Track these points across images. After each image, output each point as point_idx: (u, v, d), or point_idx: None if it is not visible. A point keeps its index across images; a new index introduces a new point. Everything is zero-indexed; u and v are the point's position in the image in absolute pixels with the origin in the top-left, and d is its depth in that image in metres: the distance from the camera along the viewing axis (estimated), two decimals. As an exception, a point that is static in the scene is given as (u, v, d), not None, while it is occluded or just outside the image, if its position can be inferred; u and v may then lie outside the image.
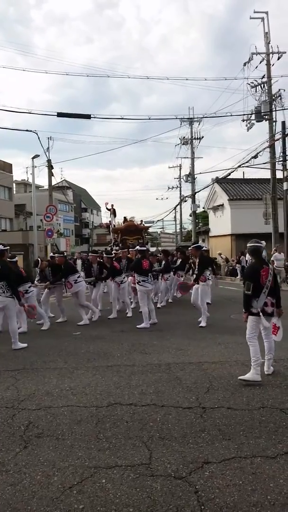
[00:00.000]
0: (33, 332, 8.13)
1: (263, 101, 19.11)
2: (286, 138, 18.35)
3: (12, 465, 2.90)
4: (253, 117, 19.68)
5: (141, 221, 20.04)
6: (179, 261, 11.97)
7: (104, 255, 9.96)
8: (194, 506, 2.36)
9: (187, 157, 30.28)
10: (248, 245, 4.94)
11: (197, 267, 8.25)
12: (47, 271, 9.04)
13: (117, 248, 15.56)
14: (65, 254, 9.80)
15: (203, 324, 8.07)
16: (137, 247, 9.69)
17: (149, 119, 19.62)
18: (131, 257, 10.85)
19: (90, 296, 9.83)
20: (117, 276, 9.53)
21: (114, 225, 19.71)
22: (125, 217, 19.15)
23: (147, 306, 8.29)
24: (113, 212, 20.27)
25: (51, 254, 10.31)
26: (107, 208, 20.02)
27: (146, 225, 21.38)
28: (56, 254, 9.48)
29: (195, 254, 8.49)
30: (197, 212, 31.61)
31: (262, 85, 19.26)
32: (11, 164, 37.39)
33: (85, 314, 8.86)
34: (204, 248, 12.52)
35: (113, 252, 11.92)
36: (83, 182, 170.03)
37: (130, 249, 12.63)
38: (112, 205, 20.55)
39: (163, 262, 11.14)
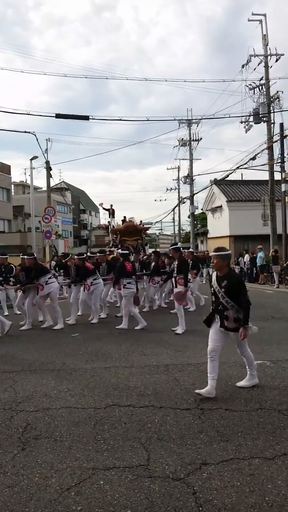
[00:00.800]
0: (31, 333, 8.12)
1: (261, 103, 19.20)
2: (284, 140, 18.41)
3: (10, 467, 2.89)
4: (251, 119, 19.77)
5: (141, 221, 19.79)
6: (170, 265, 11.11)
7: (75, 256, 9.32)
8: (192, 507, 2.36)
9: (185, 159, 30.50)
10: (220, 253, 4.28)
11: (175, 269, 7.79)
12: (20, 276, 8.65)
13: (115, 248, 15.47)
14: (35, 255, 9.11)
15: (179, 331, 7.64)
16: (119, 250, 9.45)
17: (148, 120, 19.63)
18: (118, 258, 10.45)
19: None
20: (88, 278, 8.96)
21: (113, 226, 19.55)
22: (125, 217, 18.92)
23: (131, 308, 8.28)
24: (112, 213, 20.09)
25: (22, 255, 9.42)
26: (104, 209, 19.85)
27: (145, 226, 21.22)
28: (25, 256, 8.84)
29: (175, 256, 8.07)
30: (195, 213, 31.66)
31: (260, 87, 19.35)
32: (9, 166, 37.47)
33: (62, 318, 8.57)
34: (190, 251, 12.16)
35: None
36: (82, 184, 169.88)
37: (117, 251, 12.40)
38: (111, 205, 20.35)
39: (153, 264, 10.71)
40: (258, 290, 16.33)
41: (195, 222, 33.52)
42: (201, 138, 28.86)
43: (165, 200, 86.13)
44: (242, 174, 32.93)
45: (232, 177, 24.33)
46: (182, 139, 29.66)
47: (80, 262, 9.02)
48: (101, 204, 19.88)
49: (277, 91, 19.14)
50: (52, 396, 4.32)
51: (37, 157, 22.33)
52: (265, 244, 19.65)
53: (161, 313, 10.26)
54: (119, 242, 16.84)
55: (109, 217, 19.51)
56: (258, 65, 19.31)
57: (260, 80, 19.35)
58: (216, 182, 26.64)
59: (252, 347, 6.21)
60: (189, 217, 31.81)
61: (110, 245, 17.93)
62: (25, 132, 19.80)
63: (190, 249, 12.55)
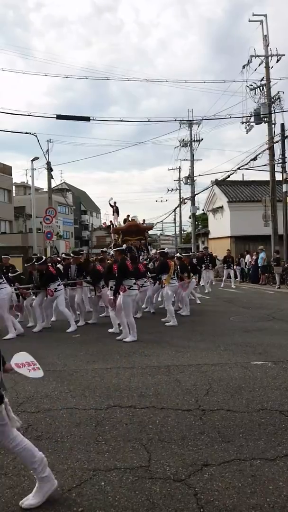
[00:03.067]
0: (32, 334, 8.12)
1: (262, 103, 19.19)
2: (285, 140, 18.40)
3: (11, 468, 2.89)
4: (252, 119, 19.76)
5: (144, 220, 19.43)
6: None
7: (36, 263, 8.74)
8: (193, 508, 2.36)
9: (186, 159, 30.45)
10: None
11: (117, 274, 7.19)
12: None
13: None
14: None
15: (127, 339, 7.07)
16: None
17: (148, 121, 19.59)
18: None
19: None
20: (52, 283, 8.43)
21: (115, 225, 19.34)
22: (128, 215, 18.57)
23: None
24: (116, 210, 19.79)
25: None
26: (110, 205, 19.45)
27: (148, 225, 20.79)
28: None
29: (117, 258, 7.60)
30: (196, 214, 31.66)
31: (261, 88, 19.35)
32: (10, 167, 37.50)
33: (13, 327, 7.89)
34: (178, 256, 11.35)
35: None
36: (83, 185, 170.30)
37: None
38: (115, 202, 20.03)
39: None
40: (260, 290, 16.33)
41: (196, 222, 33.50)
42: (202, 139, 28.89)
43: (166, 201, 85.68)
44: (243, 174, 32.96)
45: (233, 178, 24.33)
46: (183, 139, 29.66)
47: (42, 267, 8.57)
48: (110, 200, 19.27)
49: (278, 92, 19.16)
50: (53, 397, 4.32)
51: (38, 158, 22.38)
52: (266, 245, 19.62)
53: (160, 315, 10.24)
54: (121, 242, 16.73)
55: (113, 215, 19.22)
56: (259, 65, 19.30)
57: (261, 81, 19.34)
58: (217, 182, 26.62)
59: (253, 348, 6.24)
60: (190, 217, 31.80)
61: (112, 245, 17.82)
62: (26, 133, 19.84)
63: (178, 254, 11.30)
